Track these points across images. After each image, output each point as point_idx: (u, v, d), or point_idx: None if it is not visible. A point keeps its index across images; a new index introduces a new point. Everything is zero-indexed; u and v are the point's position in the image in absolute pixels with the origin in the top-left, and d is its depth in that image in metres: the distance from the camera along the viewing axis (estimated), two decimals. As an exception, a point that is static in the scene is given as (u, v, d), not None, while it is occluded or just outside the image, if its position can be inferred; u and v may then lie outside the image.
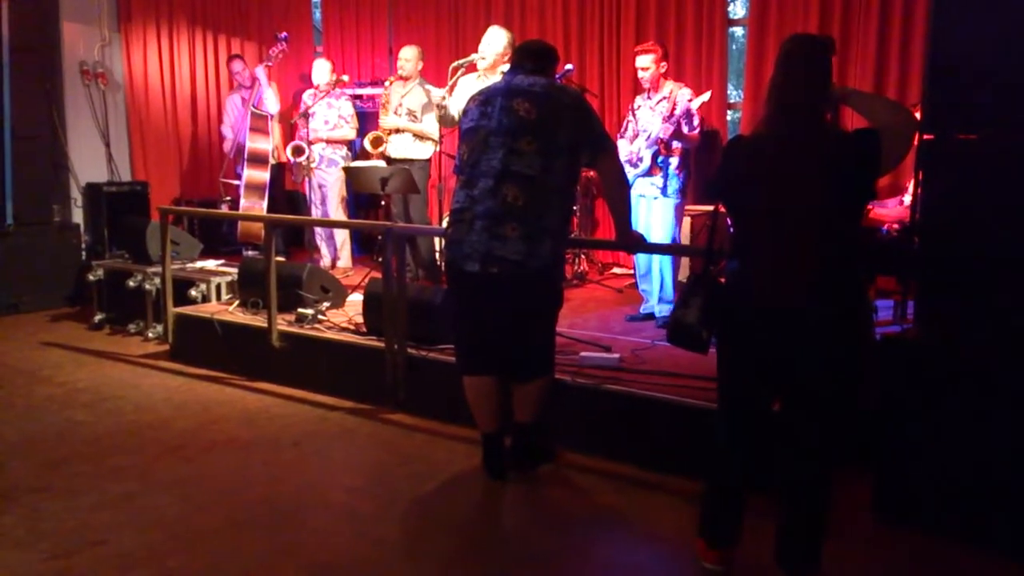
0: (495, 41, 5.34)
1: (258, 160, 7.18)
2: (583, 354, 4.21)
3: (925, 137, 3.21)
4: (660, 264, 5.14)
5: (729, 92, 7.05)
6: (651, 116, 5.12)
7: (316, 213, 7.12)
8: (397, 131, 6.44)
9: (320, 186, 7.09)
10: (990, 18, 3.06)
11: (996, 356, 2.97)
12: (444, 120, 5.71)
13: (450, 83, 5.84)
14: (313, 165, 7.00)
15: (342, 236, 7.21)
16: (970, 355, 3.02)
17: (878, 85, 5.97)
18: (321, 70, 7.08)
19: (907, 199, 4.95)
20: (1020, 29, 2.99)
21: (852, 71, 6.11)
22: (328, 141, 7.05)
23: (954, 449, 3.02)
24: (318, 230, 7.27)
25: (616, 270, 7.20)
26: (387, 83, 6.59)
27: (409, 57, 6.45)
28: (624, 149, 5.19)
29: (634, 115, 5.27)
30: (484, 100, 3.49)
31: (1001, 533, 2.96)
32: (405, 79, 6.49)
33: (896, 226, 4.83)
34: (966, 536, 3.01)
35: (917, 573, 2.93)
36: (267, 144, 7.20)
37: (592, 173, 4.86)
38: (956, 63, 3.12)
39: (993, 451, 2.95)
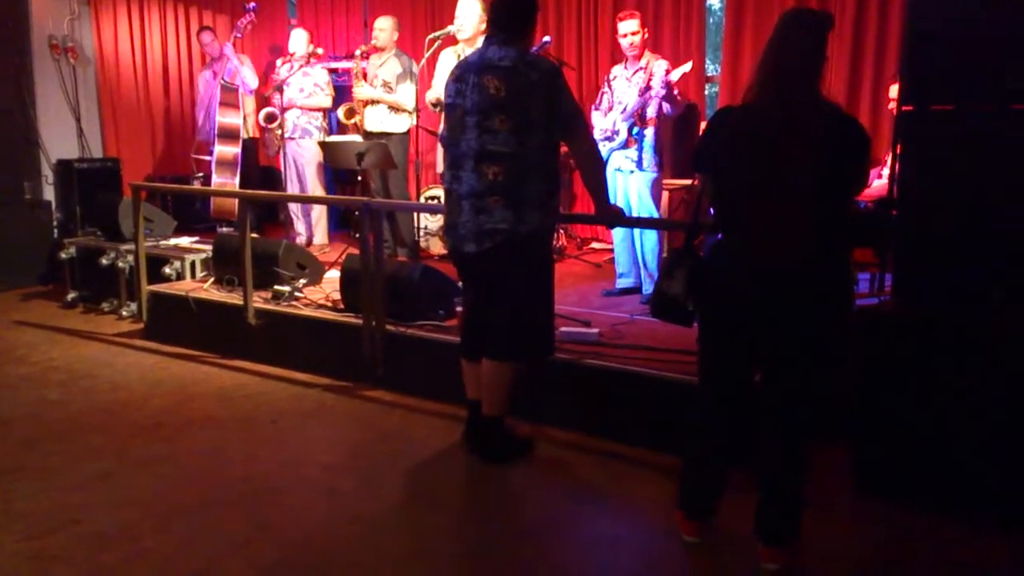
0: (470, 12, 5.24)
1: (229, 135, 7.07)
2: (562, 329, 4.19)
3: (903, 109, 3.21)
4: (643, 240, 5.07)
5: (706, 66, 7.01)
6: (627, 87, 5.04)
7: (292, 189, 7.03)
8: (372, 103, 6.34)
9: (295, 160, 7.00)
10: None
11: (973, 327, 2.99)
12: (438, 109, 5.61)
13: (427, 55, 5.78)
14: (286, 135, 6.89)
15: (317, 212, 7.13)
16: (947, 326, 3.03)
17: (856, 57, 5.96)
18: (298, 40, 6.97)
19: (885, 172, 4.95)
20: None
21: (830, 44, 6.04)
22: (303, 108, 6.95)
23: (932, 421, 3.04)
24: (292, 206, 7.17)
25: (595, 245, 7.18)
26: (357, 53, 6.43)
27: (384, 27, 6.33)
28: (598, 123, 5.12)
29: (610, 86, 5.19)
30: (459, 76, 3.43)
31: (980, 503, 2.99)
32: (380, 50, 6.38)
33: (871, 204, 4.83)
34: (945, 507, 3.04)
35: (897, 545, 2.95)
36: (237, 118, 7.09)
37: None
38: (934, 34, 3.11)
39: (972, 422, 2.97)
